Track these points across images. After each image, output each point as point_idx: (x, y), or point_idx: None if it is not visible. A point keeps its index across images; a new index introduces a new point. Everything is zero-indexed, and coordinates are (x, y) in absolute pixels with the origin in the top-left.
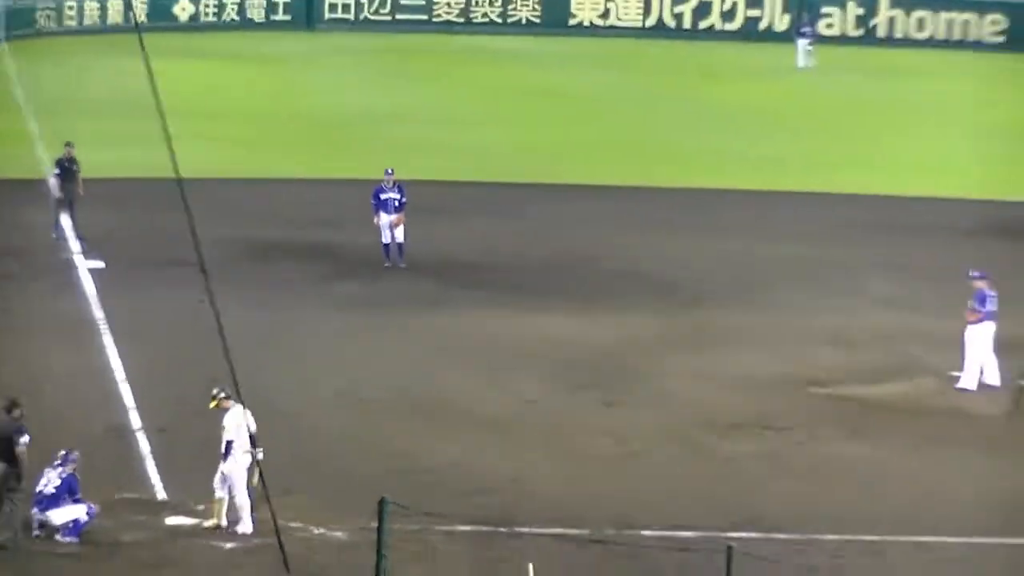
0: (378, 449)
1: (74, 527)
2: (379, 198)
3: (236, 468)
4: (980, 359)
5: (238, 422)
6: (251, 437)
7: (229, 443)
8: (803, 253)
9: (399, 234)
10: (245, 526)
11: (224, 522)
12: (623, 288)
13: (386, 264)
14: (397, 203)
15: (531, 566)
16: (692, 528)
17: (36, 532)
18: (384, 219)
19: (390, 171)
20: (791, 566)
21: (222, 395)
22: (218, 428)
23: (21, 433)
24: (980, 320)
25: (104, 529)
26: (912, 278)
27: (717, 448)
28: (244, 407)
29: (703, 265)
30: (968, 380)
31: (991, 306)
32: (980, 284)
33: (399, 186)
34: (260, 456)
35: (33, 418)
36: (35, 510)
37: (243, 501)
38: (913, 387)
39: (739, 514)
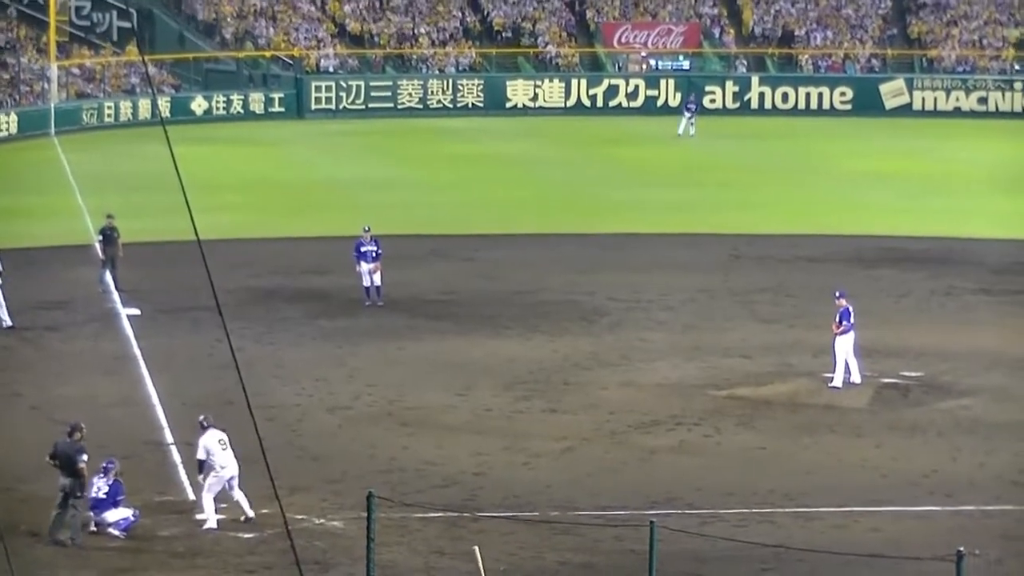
0: (365, 453)
1: (123, 524)
2: (359, 250)
3: (210, 476)
4: (845, 363)
5: (208, 443)
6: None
7: (200, 462)
8: (701, 283)
9: (376, 279)
10: (210, 523)
11: (251, 514)
12: (559, 316)
13: (366, 303)
14: (374, 254)
15: (476, 549)
16: (621, 508)
17: (92, 530)
18: (364, 267)
19: (367, 228)
20: (701, 536)
21: (201, 419)
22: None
23: (82, 452)
24: (844, 331)
25: (145, 526)
26: (789, 300)
27: (639, 442)
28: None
29: (622, 295)
30: (837, 380)
31: (852, 320)
32: (842, 302)
33: (375, 240)
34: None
35: (86, 437)
36: (91, 512)
37: (207, 499)
38: (793, 387)
39: (658, 495)
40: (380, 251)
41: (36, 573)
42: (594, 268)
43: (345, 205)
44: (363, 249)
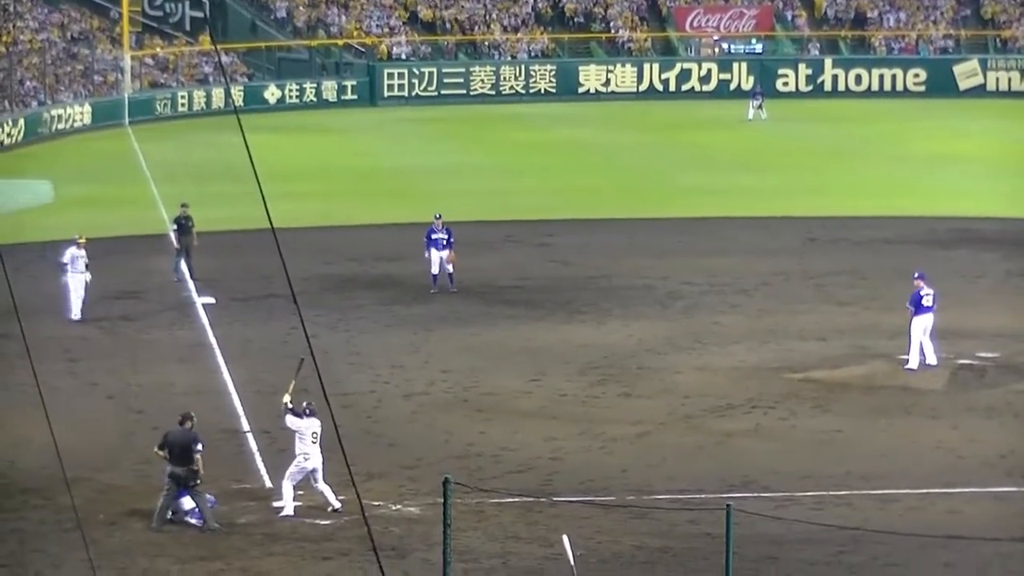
0: (441, 439)
1: (197, 511)
2: (430, 237)
3: (292, 464)
4: (920, 344)
5: (303, 428)
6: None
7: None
8: (776, 266)
9: (449, 266)
10: (287, 510)
11: (337, 504)
12: (633, 300)
13: (432, 291)
14: (445, 242)
15: (565, 537)
16: (697, 492)
17: (168, 517)
18: (434, 255)
19: (438, 216)
20: (778, 520)
21: (306, 404)
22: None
23: (197, 441)
24: (918, 313)
25: (223, 513)
26: (863, 282)
27: (714, 426)
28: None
29: (696, 279)
30: (912, 362)
31: (927, 301)
32: (919, 283)
33: (447, 228)
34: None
35: (161, 424)
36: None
37: (286, 486)
38: (868, 369)
39: (734, 478)
40: (451, 239)
41: (114, 561)
42: (668, 253)
43: (418, 192)
44: (434, 236)
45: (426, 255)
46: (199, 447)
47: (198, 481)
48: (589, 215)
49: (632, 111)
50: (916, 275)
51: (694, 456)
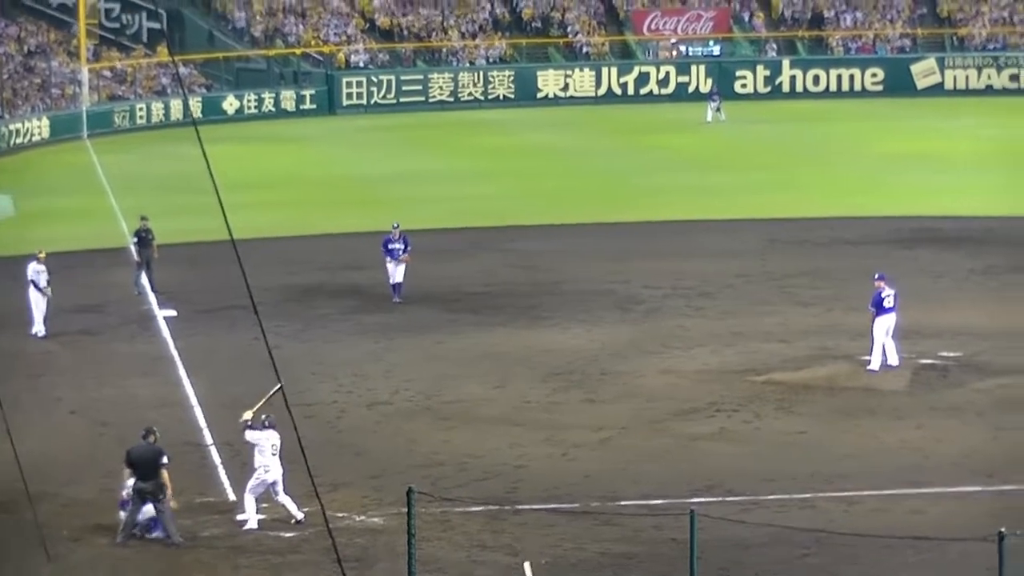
0: (405, 448)
1: (156, 524)
2: (387, 247)
3: (253, 477)
4: (882, 345)
5: (263, 441)
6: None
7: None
8: (738, 268)
9: (400, 275)
10: (251, 523)
11: (300, 516)
12: (596, 305)
13: (394, 300)
14: (402, 251)
15: (527, 565)
16: (662, 497)
17: (133, 532)
18: (391, 265)
19: (396, 224)
20: (742, 523)
21: (264, 418)
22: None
23: (162, 454)
24: (879, 314)
25: (186, 526)
26: (826, 283)
27: (678, 430)
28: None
29: (658, 282)
30: (874, 363)
31: (888, 302)
32: (880, 284)
33: (404, 237)
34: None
35: (125, 438)
36: (121, 512)
37: (248, 499)
38: (832, 371)
39: (699, 482)
40: (408, 248)
41: None
42: (630, 256)
43: (380, 200)
44: (391, 246)
45: (386, 265)
46: (164, 460)
47: (164, 495)
48: (551, 220)
49: (591, 115)
50: (877, 276)
51: (658, 460)
